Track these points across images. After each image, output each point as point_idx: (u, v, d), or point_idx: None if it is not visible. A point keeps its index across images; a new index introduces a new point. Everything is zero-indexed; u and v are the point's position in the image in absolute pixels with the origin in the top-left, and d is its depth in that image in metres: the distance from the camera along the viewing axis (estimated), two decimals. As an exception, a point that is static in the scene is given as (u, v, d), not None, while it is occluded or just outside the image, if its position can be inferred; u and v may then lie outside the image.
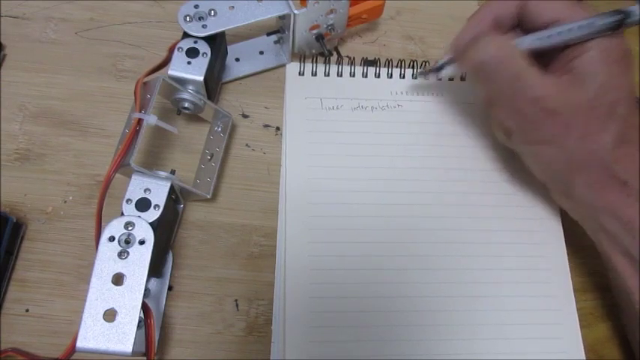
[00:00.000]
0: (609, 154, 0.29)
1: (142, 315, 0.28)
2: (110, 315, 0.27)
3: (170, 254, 0.34)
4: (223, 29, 0.35)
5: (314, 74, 0.40)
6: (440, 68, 0.37)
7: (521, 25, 0.33)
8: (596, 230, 0.32)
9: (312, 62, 0.40)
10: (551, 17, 0.31)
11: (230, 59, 0.40)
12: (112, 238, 0.29)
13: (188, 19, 0.35)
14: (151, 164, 0.37)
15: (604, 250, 0.31)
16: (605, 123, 0.29)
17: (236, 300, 0.34)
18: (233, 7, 0.35)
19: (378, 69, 0.40)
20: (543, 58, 0.32)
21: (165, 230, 0.33)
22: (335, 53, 0.41)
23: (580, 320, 0.34)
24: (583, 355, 0.33)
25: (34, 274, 0.33)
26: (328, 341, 0.32)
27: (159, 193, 0.31)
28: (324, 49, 0.39)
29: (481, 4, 0.35)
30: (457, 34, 0.35)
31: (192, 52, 0.34)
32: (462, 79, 0.41)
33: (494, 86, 0.32)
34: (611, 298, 0.35)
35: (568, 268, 0.35)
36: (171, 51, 0.35)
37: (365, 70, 0.40)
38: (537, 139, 0.31)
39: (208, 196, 0.35)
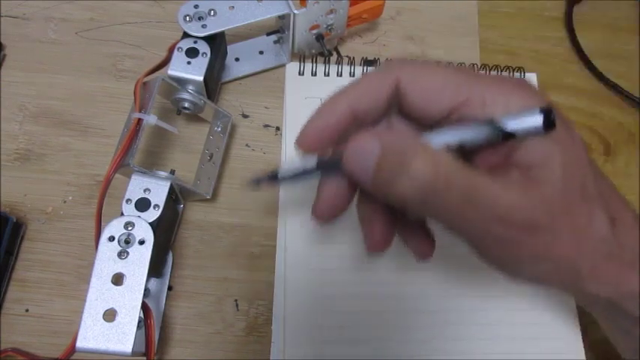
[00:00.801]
0: (612, 244, 0.24)
1: (142, 315, 0.28)
2: (110, 315, 0.27)
3: (170, 254, 0.34)
4: (223, 29, 0.35)
5: (314, 74, 0.40)
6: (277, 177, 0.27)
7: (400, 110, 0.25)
8: (615, 316, 0.27)
9: (312, 62, 0.40)
10: (429, 97, 0.24)
11: (230, 59, 0.40)
12: (111, 238, 0.29)
13: (188, 19, 0.35)
14: (151, 164, 0.37)
15: (627, 330, 0.27)
16: (590, 212, 0.24)
17: (236, 300, 0.34)
18: (233, 7, 0.35)
19: (378, 69, 0.40)
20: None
21: (165, 230, 0.33)
22: (335, 53, 0.41)
23: (580, 320, 0.34)
24: (583, 355, 0.33)
25: (34, 274, 0.33)
26: (328, 341, 0.32)
27: (159, 193, 0.31)
28: (324, 49, 0.39)
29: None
30: (303, 133, 0.26)
31: (192, 52, 0.34)
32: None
33: (439, 215, 0.23)
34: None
35: (568, 268, 0.35)
36: (171, 51, 0.35)
37: (365, 70, 0.40)
38: (527, 260, 0.24)
39: (208, 196, 0.35)
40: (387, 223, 0.26)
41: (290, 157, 0.37)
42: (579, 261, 0.24)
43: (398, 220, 0.26)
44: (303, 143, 0.26)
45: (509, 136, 0.22)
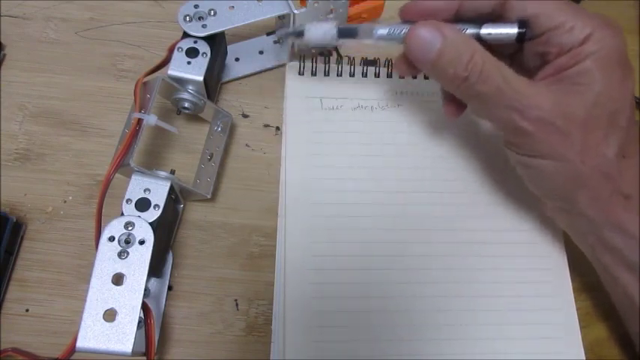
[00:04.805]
0: (613, 168, 0.28)
1: (142, 315, 0.28)
2: (110, 315, 0.27)
3: (170, 254, 0.34)
4: (223, 29, 0.35)
5: (314, 74, 0.40)
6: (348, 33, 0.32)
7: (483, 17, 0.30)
8: (597, 246, 0.30)
9: (312, 62, 0.40)
10: (532, 13, 0.28)
11: (230, 59, 0.40)
12: (112, 238, 0.29)
13: (188, 19, 0.35)
14: (151, 164, 0.37)
15: (606, 266, 0.30)
16: (607, 135, 0.28)
17: (236, 300, 0.34)
18: (233, 7, 0.35)
19: (377, 69, 0.40)
20: (523, 66, 0.30)
21: (165, 230, 0.33)
22: (335, 53, 0.41)
23: (580, 320, 0.34)
24: (583, 355, 0.33)
25: (34, 274, 0.33)
26: (328, 341, 0.32)
27: (159, 193, 0.31)
28: (324, 49, 0.39)
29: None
30: (411, 5, 0.30)
31: (192, 52, 0.34)
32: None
33: (476, 100, 0.29)
34: (610, 298, 0.35)
35: (567, 268, 0.35)
36: (171, 51, 0.35)
37: (365, 70, 0.40)
38: (535, 152, 0.29)
39: (208, 196, 0.35)
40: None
41: (291, 156, 0.37)
42: (581, 169, 0.28)
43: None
44: (407, 13, 0.31)
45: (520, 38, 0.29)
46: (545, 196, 0.32)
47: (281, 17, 0.38)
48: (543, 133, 0.28)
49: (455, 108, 0.33)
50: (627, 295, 0.30)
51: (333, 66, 0.40)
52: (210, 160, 0.36)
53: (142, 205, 0.30)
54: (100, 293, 0.28)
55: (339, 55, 0.41)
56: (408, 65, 0.32)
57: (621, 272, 0.30)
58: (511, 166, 0.38)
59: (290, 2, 0.36)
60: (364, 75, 0.40)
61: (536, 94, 0.28)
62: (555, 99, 0.28)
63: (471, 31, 0.30)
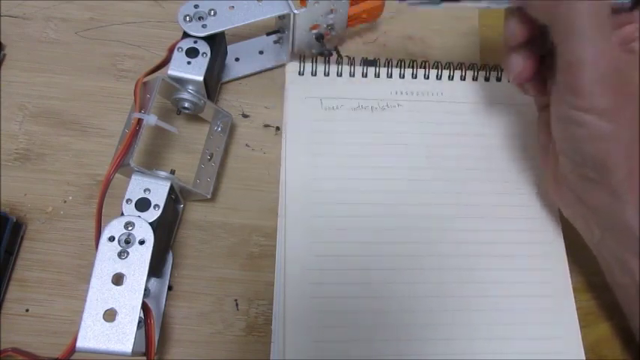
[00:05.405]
0: None
1: (142, 315, 0.28)
2: (110, 315, 0.27)
3: (170, 254, 0.34)
4: (223, 29, 0.35)
5: (314, 74, 0.40)
6: None
7: None
8: (607, 228, 0.30)
9: (312, 62, 0.40)
10: None
11: (230, 59, 0.40)
12: (112, 238, 0.29)
13: (188, 19, 0.35)
14: (151, 164, 0.37)
15: (617, 253, 0.30)
16: None
17: (236, 300, 0.34)
18: (233, 7, 0.35)
19: (377, 69, 0.40)
20: None
21: (165, 230, 0.33)
22: (335, 53, 0.41)
23: (580, 320, 0.34)
24: (583, 355, 0.33)
25: (34, 274, 0.33)
26: (328, 341, 0.32)
27: (159, 193, 0.31)
28: (323, 49, 0.39)
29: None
30: None
31: (192, 52, 0.34)
32: (462, 78, 0.41)
33: (567, 28, 0.27)
34: (610, 297, 0.35)
35: (568, 268, 0.35)
36: (171, 51, 0.35)
37: (365, 70, 0.40)
38: (594, 109, 0.27)
39: (208, 196, 0.35)
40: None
41: (291, 156, 0.37)
42: (634, 138, 0.27)
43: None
44: None
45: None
46: (579, 161, 0.30)
47: (281, 17, 0.38)
48: (614, 90, 0.27)
49: (540, 85, 0.32)
50: (635, 282, 0.29)
51: (333, 66, 0.40)
52: (210, 160, 0.36)
53: (142, 205, 0.30)
54: (100, 293, 0.28)
55: (339, 55, 0.41)
56: (519, 20, 0.30)
57: (631, 257, 0.29)
58: (510, 166, 0.38)
59: (290, 2, 0.36)
60: (364, 75, 0.40)
61: (614, 49, 0.27)
62: (628, 63, 0.28)
63: None
